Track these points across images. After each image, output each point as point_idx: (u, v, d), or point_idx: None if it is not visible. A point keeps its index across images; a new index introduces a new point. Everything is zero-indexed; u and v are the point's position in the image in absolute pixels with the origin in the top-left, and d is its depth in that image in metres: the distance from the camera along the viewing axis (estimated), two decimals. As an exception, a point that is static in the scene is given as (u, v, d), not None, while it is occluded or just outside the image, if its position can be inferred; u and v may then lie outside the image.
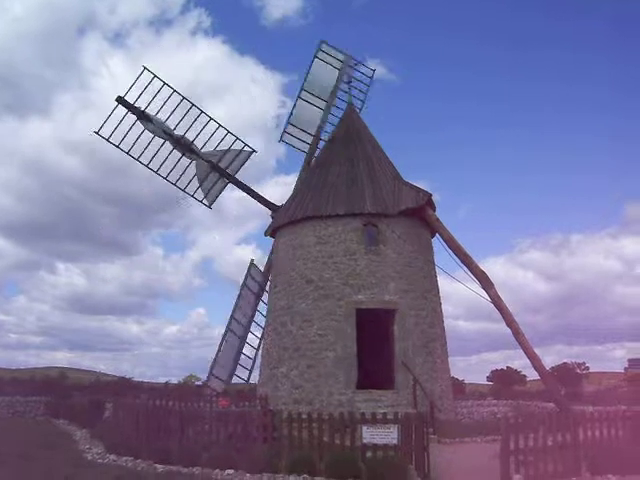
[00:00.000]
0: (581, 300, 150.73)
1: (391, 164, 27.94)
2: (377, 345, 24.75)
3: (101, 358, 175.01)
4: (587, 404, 30.90)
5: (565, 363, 70.42)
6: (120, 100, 26.48)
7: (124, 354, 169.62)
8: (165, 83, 26.75)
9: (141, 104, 26.74)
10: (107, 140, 26.81)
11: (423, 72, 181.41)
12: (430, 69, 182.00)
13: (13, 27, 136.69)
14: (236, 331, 28.18)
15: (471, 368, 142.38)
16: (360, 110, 31.79)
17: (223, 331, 28.24)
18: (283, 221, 26.99)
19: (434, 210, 25.93)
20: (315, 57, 31.39)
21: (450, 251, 24.57)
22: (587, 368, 72.38)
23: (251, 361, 29.08)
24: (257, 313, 29.15)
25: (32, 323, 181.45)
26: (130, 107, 26.58)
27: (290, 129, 31.28)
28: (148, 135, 27.17)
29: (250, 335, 28.96)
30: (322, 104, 31.38)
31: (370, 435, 14.14)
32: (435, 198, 26.02)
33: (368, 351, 24.21)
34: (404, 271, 24.90)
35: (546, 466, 13.30)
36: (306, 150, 31.23)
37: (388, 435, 14.08)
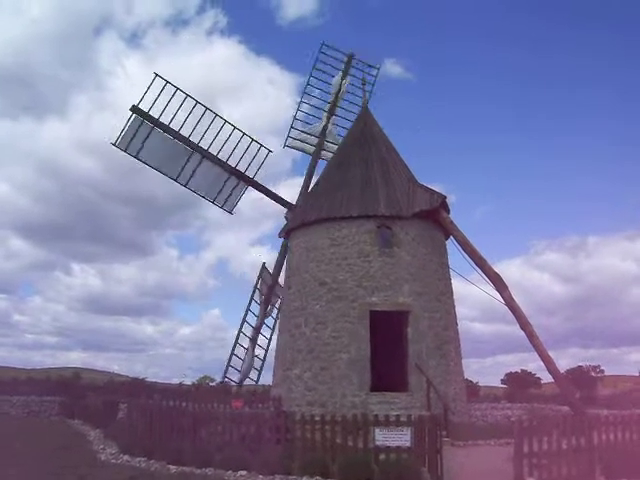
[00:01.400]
0: (597, 302, 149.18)
1: (405, 166, 27.90)
2: (391, 347, 24.70)
3: (115, 358, 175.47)
4: (602, 407, 30.70)
5: (580, 366, 69.77)
6: (134, 109, 26.61)
7: (138, 355, 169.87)
8: (177, 88, 26.92)
9: (156, 111, 26.92)
10: (125, 151, 27.08)
11: (440, 73, 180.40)
12: (447, 71, 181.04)
13: (30, 29, 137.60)
14: (248, 334, 28.65)
15: (486, 370, 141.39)
16: (365, 108, 31.15)
17: (236, 332, 28.78)
18: (297, 223, 27.01)
19: (448, 212, 25.88)
20: (317, 60, 32.07)
21: (464, 253, 24.55)
22: (602, 371, 71.67)
23: (260, 362, 29.46)
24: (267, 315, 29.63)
25: (47, 323, 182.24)
26: (145, 116, 26.75)
27: (294, 133, 32.21)
28: (166, 143, 27.30)
29: (260, 336, 29.41)
30: (326, 106, 32.15)
31: (383, 437, 14.10)
32: (450, 200, 26.06)
33: (382, 353, 24.18)
34: (418, 273, 24.86)
35: (560, 469, 13.22)
36: (312, 153, 31.85)
37: (401, 437, 14.04)
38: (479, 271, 24.09)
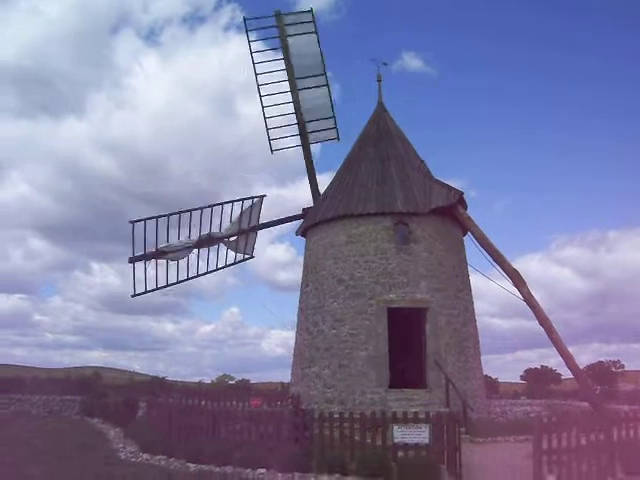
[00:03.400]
0: (618, 297, 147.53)
1: (422, 162, 27.78)
2: (409, 344, 24.68)
3: (135, 357, 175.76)
4: (623, 403, 30.49)
5: (601, 361, 69.16)
6: (132, 260, 25.92)
7: (158, 353, 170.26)
8: (157, 218, 25.76)
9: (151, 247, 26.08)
10: (146, 293, 26.51)
11: (460, 67, 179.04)
12: (466, 65, 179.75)
13: (48, 29, 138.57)
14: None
15: (506, 366, 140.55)
16: (380, 104, 29.99)
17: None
18: (314, 220, 26.98)
19: (465, 208, 25.73)
20: (249, 42, 29.20)
21: (482, 249, 24.44)
22: (623, 366, 70.97)
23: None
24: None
25: (67, 323, 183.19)
26: (144, 258, 26.09)
27: (312, 126, 29.78)
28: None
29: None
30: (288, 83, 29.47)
31: (402, 434, 14.10)
32: (470, 195, 25.91)
33: (400, 350, 24.15)
34: (435, 270, 24.78)
35: (580, 466, 13.14)
36: (334, 137, 30.42)
37: (420, 434, 14.03)
38: (497, 267, 23.97)
